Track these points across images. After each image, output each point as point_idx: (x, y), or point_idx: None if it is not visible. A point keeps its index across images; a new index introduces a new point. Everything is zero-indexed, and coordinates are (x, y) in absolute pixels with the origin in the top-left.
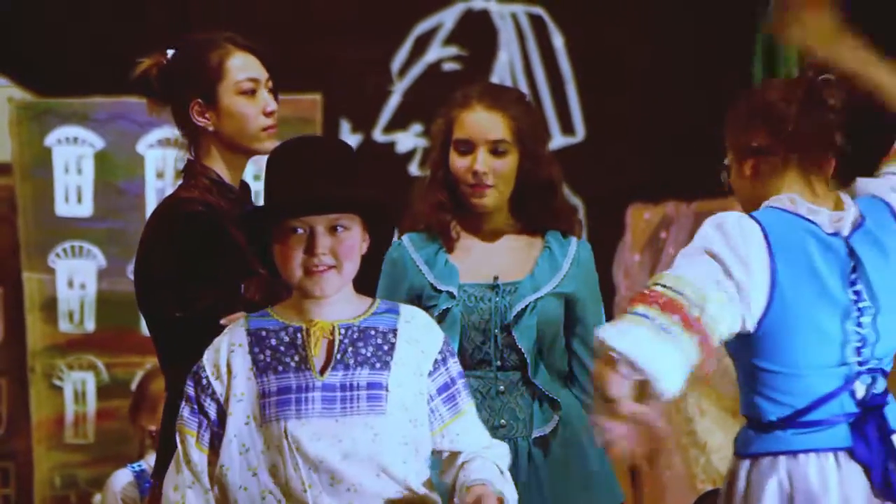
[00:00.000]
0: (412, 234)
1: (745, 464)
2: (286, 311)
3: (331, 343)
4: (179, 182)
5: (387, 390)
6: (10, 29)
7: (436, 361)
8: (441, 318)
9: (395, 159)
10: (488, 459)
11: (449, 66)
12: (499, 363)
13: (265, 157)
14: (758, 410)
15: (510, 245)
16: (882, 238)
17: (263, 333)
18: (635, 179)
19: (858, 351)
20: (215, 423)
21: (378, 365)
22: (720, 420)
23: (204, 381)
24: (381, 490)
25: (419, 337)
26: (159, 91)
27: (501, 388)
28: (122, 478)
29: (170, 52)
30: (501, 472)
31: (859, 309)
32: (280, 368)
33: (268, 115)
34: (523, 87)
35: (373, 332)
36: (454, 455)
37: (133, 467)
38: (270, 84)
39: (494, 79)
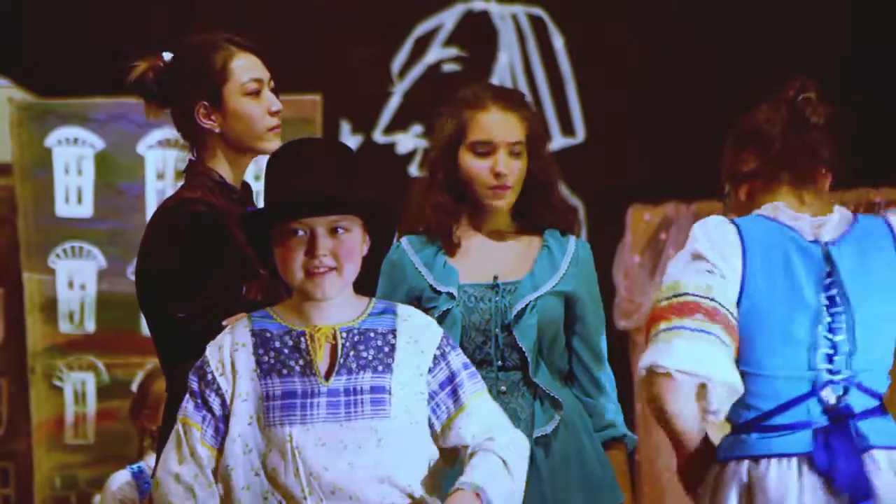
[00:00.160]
0: (411, 236)
1: (714, 468)
2: (287, 313)
3: (333, 347)
4: (181, 182)
5: (390, 393)
6: (11, 30)
7: (435, 358)
8: (441, 320)
9: (395, 160)
10: (491, 452)
11: (449, 67)
12: (500, 363)
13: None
14: (731, 413)
15: (509, 245)
16: (868, 249)
17: (268, 335)
18: (635, 180)
19: (830, 358)
20: (220, 419)
21: (380, 368)
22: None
23: (209, 377)
24: (383, 499)
25: (418, 336)
26: (158, 94)
27: (503, 388)
28: (121, 478)
29: (165, 55)
30: (505, 464)
31: (832, 314)
32: (285, 372)
33: (273, 114)
34: (523, 88)
35: (372, 335)
36: (463, 448)
37: (132, 468)
38: (272, 84)
39: (494, 80)
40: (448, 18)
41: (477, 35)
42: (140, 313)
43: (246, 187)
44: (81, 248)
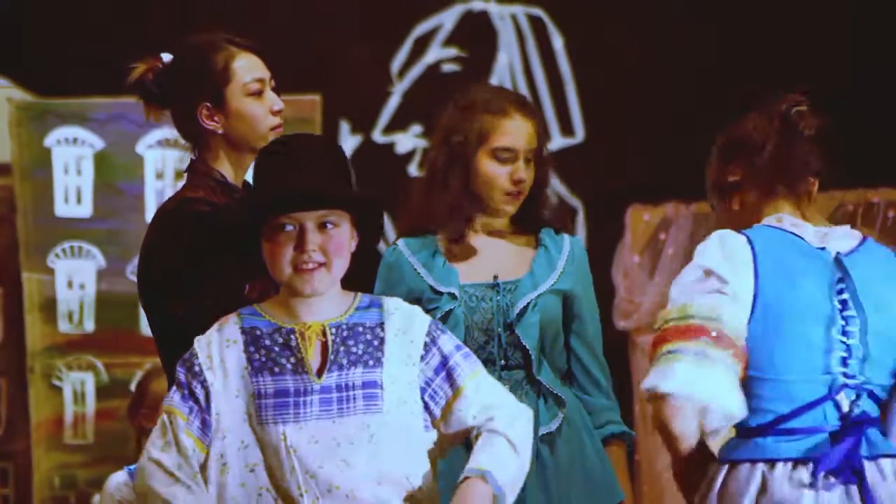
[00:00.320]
0: (408, 238)
1: (723, 469)
2: (275, 310)
3: (324, 344)
4: (183, 182)
5: (382, 388)
6: (10, 29)
7: (426, 344)
8: (444, 320)
9: (395, 160)
10: (494, 432)
11: (448, 68)
12: (503, 362)
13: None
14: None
15: (506, 244)
16: (880, 267)
17: (258, 333)
18: (635, 180)
19: (844, 361)
20: (206, 411)
21: (371, 362)
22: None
23: (196, 368)
24: (379, 496)
25: (406, 327)
26: (157, 95)
27: (506, 387)
28: (119, 479)
29: (164, 56)
30: (509, 441)
31: (845, 319)
32: (276, 370)
33: (275, 113)
34: (523, 88)
35: (361, 329)
36: (468, 430)
37: (130, 469)
38: (273, 83)
39: (494, 80)
40: (447, 19)
41: (476, 35)
42: (139, 313)
43: (247, 186)
44: (81, 247)
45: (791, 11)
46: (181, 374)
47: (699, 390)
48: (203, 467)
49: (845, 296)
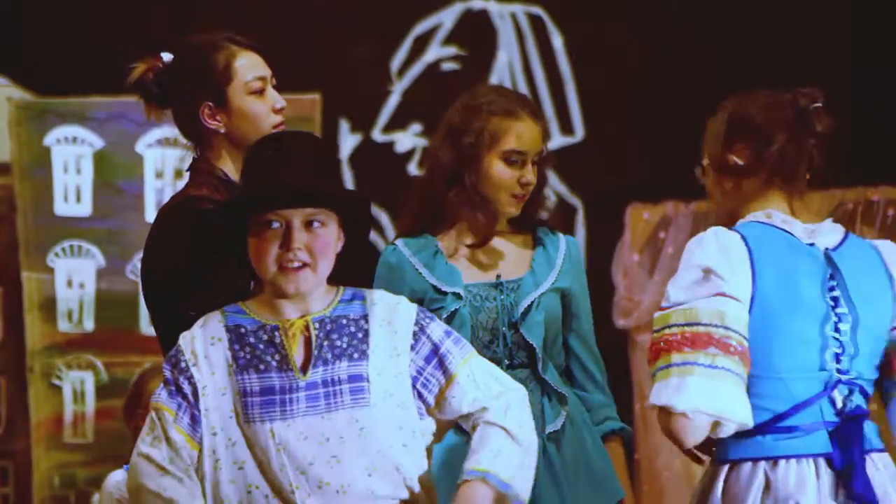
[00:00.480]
0: (406, 238)
1: (724, 469)
2: (259, 308)
3: (308, 339)
4: (181, 181)
5: (368, 381)
6: (10, 29)
7: (415, 334)
8: (449, 320)
9: (394, 159)
10: (490, 424)
11: (448, 66)
12: (508, 361)
13: None
14: None
15: (506, 243)
16: (865, 263)
17: (242, 331)
18: (634, 179)
19: (837, 358)
20: (194, 407)
21: (356, 355)
22: None
23: (182, 365)
24: (372, 489)
25: (390, 317)
26: (158, 95)
27: None
28: (118, 477)
29: (165, 56)
30: (507, 431)
31: (837, 315)
32: (262, 367)
33: (277, 111)
34: (523, 87)
35: (345, 321)
36: (464, 418)
37: (127, 467)
38: (274, 81)
39: (493, 79)
40: (447, 17)
41: (476, 34)
42: (139, 312)
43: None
44: (80, 246)
45: (791, 11)
46: (167, 372)
47: (714, 406)
48: (198, 463)
49: (836, 292)
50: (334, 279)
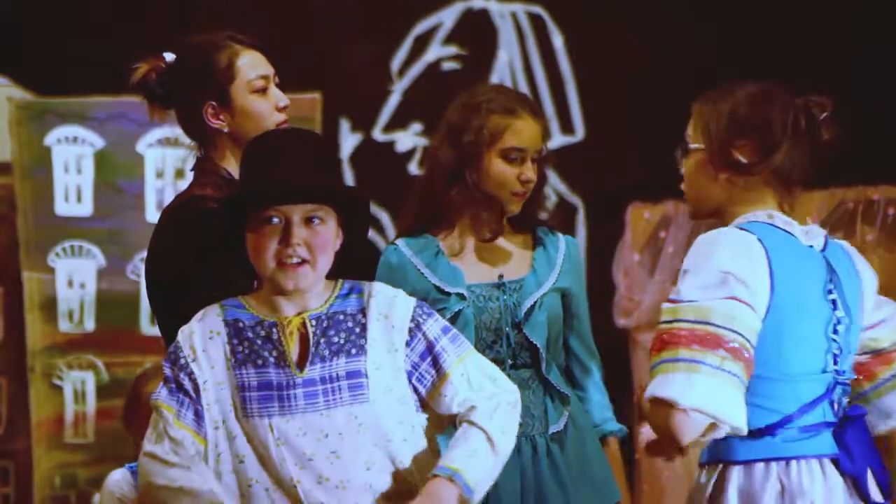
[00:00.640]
0: (407, 238)
1: (736, 470)
2: (258, 304)
3: (305, 336)
4: (182, 180)
5: (366, 377)
6: (10, 29)
7: (410, 330)
8: (453, 321)
9: (395, 159)
10: (473, 426)
11: (448, 66)
12: (511, 361)
13: None
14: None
15: (506, 243)
16: (844, 263)
17: (240, 325)
18: (635, 179)
19: (836, 359)
20: (197, 401)
21: (354, 351)
22: None
23: (182, 361)
24: (371, 484)
25: (387, 311)
26: (161, 95)
27: None
28: (119, 476)
29: (167, 56)
30: (487, 435)
31: (837, 317)
32: (259, 363)
33: (281, 110)
34: (523, 86)
35: (342, 317)
36: (452, 416)
37: (130, 466)
38: (277, 79)
39: (494, 78)
40: (447, 17)
41: (476, 33)
42: (140, 312)
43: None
44: (81, 246)
45: (791, 10)
46: (167, 369)
47: (717, 408)
48: (205, 458)
49: (834, 295)
50: (333, 277)
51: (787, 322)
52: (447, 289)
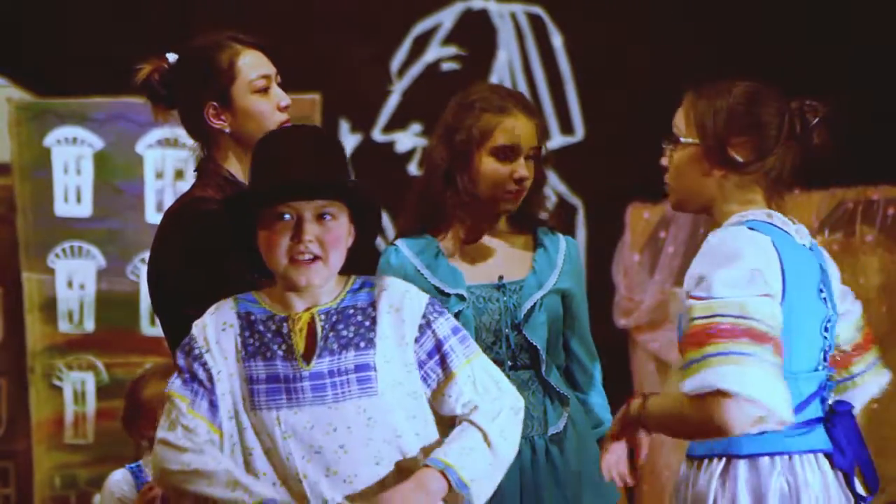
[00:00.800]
0: (407, 239)
1: (742, 464)
2: (271, 299)
3: (313, 330)
4: (182, 181)
5: (375, 370)
6: (10, 29)
7: (420, 327)
8: None
9: (395, 159)
10: (473, 425)
11: (448, 66)
12: (511, 363)
13: None
14: None
15: (507, 244)
16: (827, 260)
17: (252, 318)
18: (635, 179)
19: (825, 356)
20: (211, 391)
21: (363, 344)
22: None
23: (196, 352)
24: (379, 478)
25: (398, 304)
26: (164, 96)
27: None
28: (119, 477)
29: (170, 56)
30: (486, 436)
31: (828, 316)
32: (268, 355)
33: (282, 109)
34: (522, 86)
35: (352, 311)
36: (453, 418)
37: (130, 467)
38: (279, 78)
39: (493, 78)
40: (447, 17)
41: (476, 34)
42: (140, 313)
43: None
44: (80, 247)
45: (791, 11)
46: (181, 360)
47: (770, 400)
48: (220, 448)
49: (825, 293)
50: (345, 273)
51: (795, 321)
52: (447, 290)
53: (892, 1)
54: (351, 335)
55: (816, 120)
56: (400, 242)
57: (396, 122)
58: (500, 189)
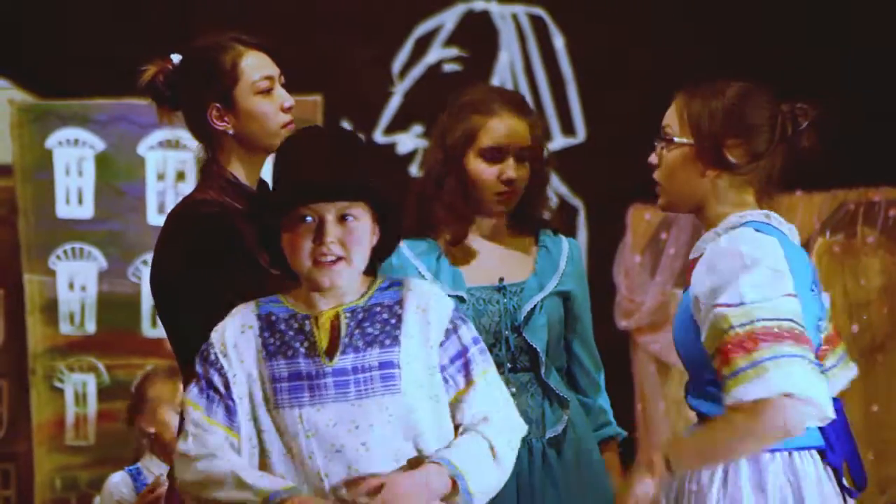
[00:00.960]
0: (409, 240)
1: (742, 461)
2: (296, 299)
3: (337, 327)
4: (183, 183)
5: (399, 367)
6: (11, 31)
7: (447, 331)
8: None
9: (396, 161)
10: (481, 434)
11: (450, 67)
12: (510, 365)
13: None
14: None
15: (508, 246)
16: None
17: (273, 318)
18: (636, 180)
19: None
20: (227, 397)
21: (388, 342)
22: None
23: (212, 357)
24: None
25: (425, 304)
26: (169, 97)
27: (513, 390)
28: (118, 479)
29: (174, 58)
30: (492, 448)
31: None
32: (290, 353)
33: (286, 110)
34: (524, 88)
35: (378, 309)
36: (459, 425)
37: (130, 469)
38: (283, 79)
39: (495, 79)
40: (449, 18)
41: (477, 35)
42: (141, 314)
43: (262, 184)
44: (82, 249)
45: (791, 12)
46: (198, 366)
47: (824, 398)
48: (239, 451)
49: (815, 292)
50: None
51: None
52: (447, 291)
53: (892, 2)
54: (376, 332)
55: (806, 123)
56: (403, 243)
57: (398, 124)
58: (490, 191)
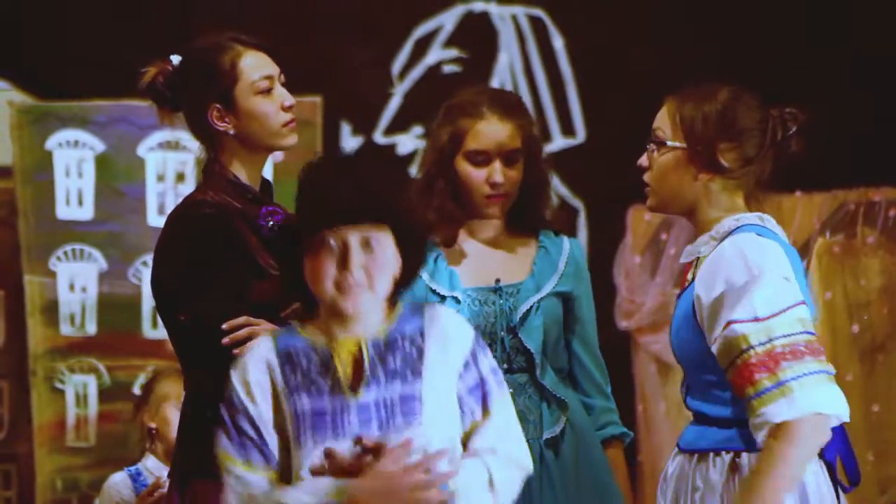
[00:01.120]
0: None
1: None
2: (315, 329)
3: (359, 360)
4: (183, 184)
5: (421, 402)
6: (11, 32)
7: (466, 363)
8: None
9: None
10: (483, 463)
11: (449, 69)
12: (506, 366)
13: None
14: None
15: (506, 247)
16: None
17: (293, 353)
18: (636, 180)
19: None
20: (258, 440)
21: (410, 376)
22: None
23: (236, 402)
24: None
25: (447, 334)
26: (169, 98)
27: (510, 390)
28: (117, 480)
29: (174, 59)
30: (491, 479)
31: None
32: (313, 389)
33: (286, 109)
34: (523, 89)
35: (400, 340)
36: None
37: (129, 470)
38: (283, 78)
39: (495, 80)
40: (448, 20)
41: (477, 36)
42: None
43: (265, 184)
44: (82, 250)
45: (790, 13)
46: (224, 414)
47: (845, 410)
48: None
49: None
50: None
51: None
52: (442, 292)
53: (892, 3)
54: (398, 366)
55: (796, 127)
56: None
57: (398, 125)
58: (478, 194)
